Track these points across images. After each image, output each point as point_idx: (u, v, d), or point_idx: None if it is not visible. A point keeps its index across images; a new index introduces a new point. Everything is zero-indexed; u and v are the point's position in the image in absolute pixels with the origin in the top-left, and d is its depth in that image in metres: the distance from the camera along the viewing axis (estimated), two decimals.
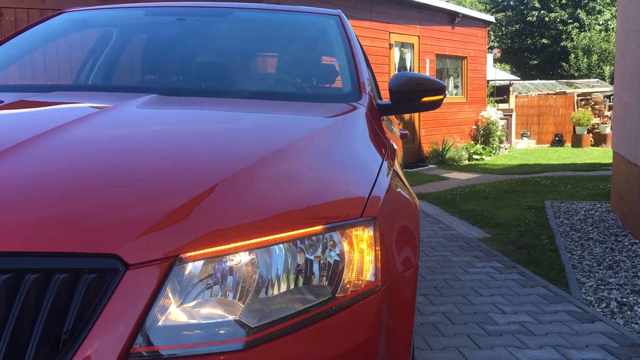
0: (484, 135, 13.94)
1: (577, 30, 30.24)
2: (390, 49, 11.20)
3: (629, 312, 3.51)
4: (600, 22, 30.34)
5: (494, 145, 14.06)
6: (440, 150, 12.28)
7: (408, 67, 11.81)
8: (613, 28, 29.68)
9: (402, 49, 11.74)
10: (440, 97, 2.28)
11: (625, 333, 3.11)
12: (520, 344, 2.97)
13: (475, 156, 12.98)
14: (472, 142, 13.71)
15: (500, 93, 17.74)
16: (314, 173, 1.39)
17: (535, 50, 32.83)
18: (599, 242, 5.18)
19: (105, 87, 2.33)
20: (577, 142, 17.69)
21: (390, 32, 11.22)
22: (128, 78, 2.49)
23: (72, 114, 1.61)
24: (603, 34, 29.48)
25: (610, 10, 30.56)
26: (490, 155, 13.52)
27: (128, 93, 1.94)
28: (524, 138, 18.06)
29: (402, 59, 11.77)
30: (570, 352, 2.87)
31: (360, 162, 1.58)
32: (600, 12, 30.68)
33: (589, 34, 29.43)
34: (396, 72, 11.12)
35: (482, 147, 13.56)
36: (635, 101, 5.51)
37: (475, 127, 14.00)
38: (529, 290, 3.84)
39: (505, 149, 14.95)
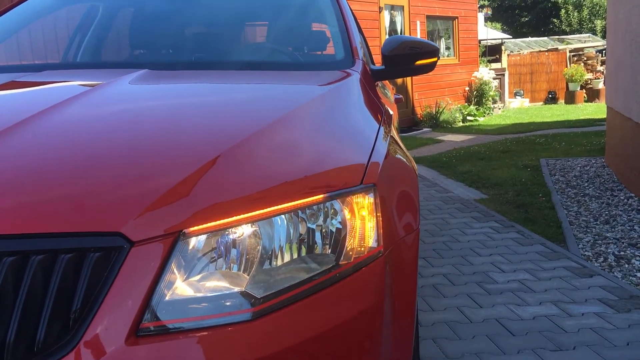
0: (477, 96, 13.88)
1: None
2: (380, 12, 11.06)
3: (626, 265, 3.55)
4: None
5: (488, 106, 14.02)
6: (434, 113, 12.24)
7: (398, 31, 11.68)
8: None
9: (392, 12, 11.59)
10: (434, 59, 2.27)
11: (623, 286, 3.16)
12: (520, 301, 3.01)
13: (469, 117, 12.95)
14: (466, 104, 13.66)
15: (492, 52, 17.62)
16: (311, 142, 1.39)
17: (525, 7, 32.46)
18: (595, 198, 5.22)
19: (95, 64, 2.30)
20: (570, 98, 17.66)
21: None
22: (118, 54, 2.45)
23: (64, 92, 1.59)
24: None
25: None
26: (484, 116, 13.50)
27: (119, 69, 1.92)
28: (517, 97, 18.01)
29: (392, 22, 11.63)
30: (570, 307, 2.91)
31: (357, 129, 1.58)
32: None
33: None
34: (387, 36, 11.02)
35: (476, 108, 13.52)
36: (627, 55, 5.48)
37: (468, 88, 13.94)
38: (527, 249, 3.88)
39: (499, 108, 14.92)
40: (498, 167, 7.00)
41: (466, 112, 13.00)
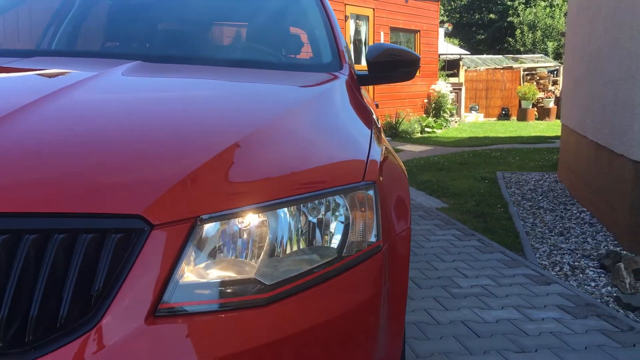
0: (435, 109, 14.21)
1: (523, 6, 30.88)
2: (345, 20, 11.20)
3: (581, 275, 3.73)
4: None
5: (445, 118, 14.36)
6: (394, 123, 12.45)
7: (363, 40, 11.86)
8: (557, 4, 30.44)
9: (357, 21, 11.76)
10: (416, 68, 2.36)
11: (579, 294, 3.32)
12: (483, 305, 3.13)
13: (427, 129, 13.23)
14: (424, 115, 13.95)
15: (451, 67, 18.05)
16: (317, 139, 1.44)
17: (482, 25, 33.37)
18: (549, 211, 5.43)
19: (84, 52, 2.28)
20: (522, 115, 18.26)
21: (345, 4, 11.21)
22: (107, 44, 2.44)
23: (61, 80, 1.59)
24: (548, 10, 30.19)
25: None
26: (441, 128, 13.81)
27: (109, 59, 1.92)
28: (472, 111, 18.49)
29: (357, 32, 11.79)
30: (530, 312, 3.04)
31: (354, 130, 1.64)
32: None
33: (534, 10, 30.12)
34: (351, 44, 11.16)
35: (434, 120, 13.83)
36: (585, 76, 5.74)
37: (427, 101, 14.25)
38: (488, 256, 4.02)
39: (455, 122, 15.29)
40: (457, 178, 7.20)
41: (424, 124, 13.28)
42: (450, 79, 17.12)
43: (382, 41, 11.96)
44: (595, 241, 4.44)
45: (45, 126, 1.18)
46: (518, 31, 30.15)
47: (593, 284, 3.58)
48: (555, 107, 17.86)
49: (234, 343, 1.06)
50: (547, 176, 7.24)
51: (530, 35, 29.70)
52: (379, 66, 2.29)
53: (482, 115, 18.57)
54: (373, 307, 1.28)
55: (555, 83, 19.55)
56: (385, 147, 1.78)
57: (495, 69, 20.34)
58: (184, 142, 1.23)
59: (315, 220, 1.22)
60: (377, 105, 4.32)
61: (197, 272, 1.08)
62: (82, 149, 1.14)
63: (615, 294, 3.38)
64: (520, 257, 4.04)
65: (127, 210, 1.03)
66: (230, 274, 1.11)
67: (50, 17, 2.59)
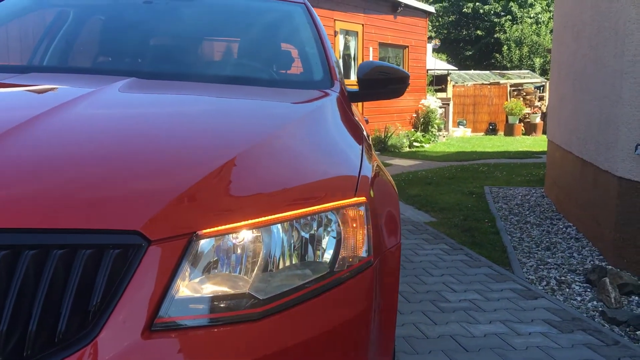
0: (424, 123, 14.32)
1: (510, 22, 31.31)
2: (335, 36, 11.30)
3: (567, 290, 3.78)
4: (532, 15, 31.50)
5: (433, 133, 14.47)
6: (383, 137, 12.53)
7: (352, 55, 11.96)
8: (543, 21, 30.91)
9: (347, 36, 11.87)
10: (405, 85, 2.41)
11: (566, 308, 3.36)
12: (472, 319, 3.16)
13: (415, 143, 13.33)
14: (413, 130, 14.06)
15: (439, 82, 18.23)
16: (309, 156, 1.47)
17: (470, 41, 33.76)
18: (536, 225, 5.49)
19: (80, 69, 2.30)
20: (509, 130, 18.43)
21: (335, 20, 11.31)
22: (102, 60, 2.46)
23: (60, 96, 1.61)
24: (534, 26, 30.63)
25: (540, 4, 31.80)
26: (429, 143, 13.91)
27: (105, 76, 1.95)
28: (460, 126, 18.65)
29: (346, 47, 11.90)
30: (518, 327, 3.08)
31: (346, 147, 1.67)
32: (531, 5, 31.84)
33: (521, 27, 30.54)
34: (340, 59, 11.26)
35: (422, 135, 13.93)
36: (570, 93, 5.84)
37: (415, 115, 14.36)
38: (475, 270, 4.05)
39: (444, 136, 15.41)
40: (445, 192, 7.25)
41: (413, 138, 13.38)
42: (438, 94, 17.29)
43: (371, 56, 12.09)
44: (581, 256, 4.50)
45: (44, 142, 1.21)
46: (505, 47, 30.54)
47: (579, 298, 3.62)
48: (542, 122, 18.07)
49: (228, 357, 1.08)
50: (533, 191, 7.32)
51: (517, 51, 30.09)
52: (369, 83, 2.34)
53: (469, 130, 18.73)
54: (364, 322, 1.30)
55: (541, 99, 19.79)
56: (376, 164, 1.82)
57: (483, 84, 20.56)
58: (181, 158, 1.26)
59: (307, 236, 1.25)
60: (367, 121, 4.38)
61: (192, 287, 1.10)
62: (80, 165, 1.16)
63: (600, 309, 3.43)
64: (508, 272, 4.08)
65: (126, 226, 1.05)
66: (224, 289, 1.14)
67: (43, 32, 2.62)
